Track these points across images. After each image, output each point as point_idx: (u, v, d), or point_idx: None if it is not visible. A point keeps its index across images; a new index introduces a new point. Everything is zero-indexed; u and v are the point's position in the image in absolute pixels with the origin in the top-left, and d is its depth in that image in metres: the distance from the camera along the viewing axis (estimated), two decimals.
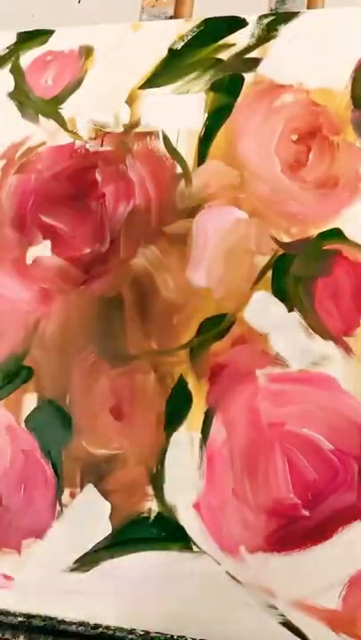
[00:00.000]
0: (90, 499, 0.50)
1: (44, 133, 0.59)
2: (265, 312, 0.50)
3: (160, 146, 0.56)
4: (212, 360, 0.50)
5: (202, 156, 0.54)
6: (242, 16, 0.57)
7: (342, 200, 0.51)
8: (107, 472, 0.50)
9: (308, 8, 0.57)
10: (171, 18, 0.61)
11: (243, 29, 0.57)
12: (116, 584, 0.48)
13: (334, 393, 0.47)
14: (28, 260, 0.57)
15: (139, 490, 0.49)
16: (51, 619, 0.49)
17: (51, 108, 0.60)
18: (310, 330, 0.49)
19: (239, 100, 0.55)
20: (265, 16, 0.57)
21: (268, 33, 0.56)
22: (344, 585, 0.44)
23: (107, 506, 0.50)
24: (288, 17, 0.56)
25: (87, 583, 0.49)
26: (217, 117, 0.55)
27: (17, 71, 0.62)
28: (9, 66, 0.63)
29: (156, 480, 0.49)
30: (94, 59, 0.60)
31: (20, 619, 0.49)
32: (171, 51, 0.58)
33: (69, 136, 0.59)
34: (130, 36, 0.60)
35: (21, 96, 0.61)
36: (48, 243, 0.56)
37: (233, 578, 0.46)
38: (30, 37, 0.63)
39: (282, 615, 0.45)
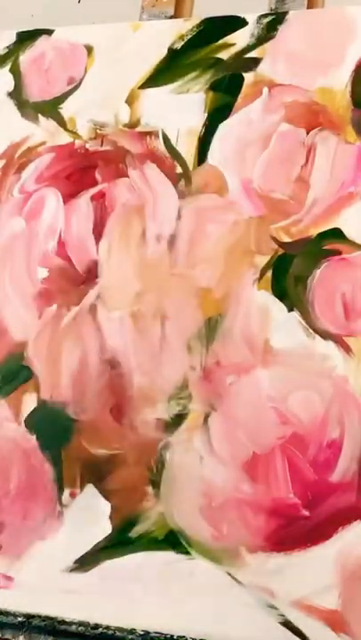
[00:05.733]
0: (90, 499, 0.50)
1: (43, 133, 0.59)
2: (266, 312, 0.50)
3: (160, 145, 0.56)
4: (213, 359, 0.50)
5: (202, 156, 0.54)
6: (242, 16, 0.57)
7: (342, 200, 0.51)
8: (107, 472, 0.50)
9: (309, 8, 0.57)
10: (171, 18, 0.61)
11: (243, 29, 0.57)
12: (116, 584, 0.48)
13: (335, 393, 0.47)
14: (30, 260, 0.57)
15: (139, 490, 0.49)
16: (51, 619, 0.49)
17: (50, 107, 0.60)
18: (310, 330, 0.49)
19: (239, 99, 0.55)
20: (265, 16, 0.57)
21: (267, 32, 0.56)
22: (344, 585, 0.44)
23: (107, 506, 0.50)
24: (288, 16, 0.56)
25: (87, 583, 0.49)
26: (217, 117, 0.55)
27: (16, 71, 0.62)
28: (8, 65, 0.63)
29: (156, 480, 0.49)
30: (94, 58, 0.60)
31: (20, 619, 0.49)
32: (171, 50, 0.58)
33: (69, 136, 0.59)
34: (130, 36, 0.60)
35: (21, 96, 0.61)
36: (50, 243, 0.56)
37: (233, 578, 0.46)
38: (30, 37, 0.63)
39: (282, 615, 0.45)
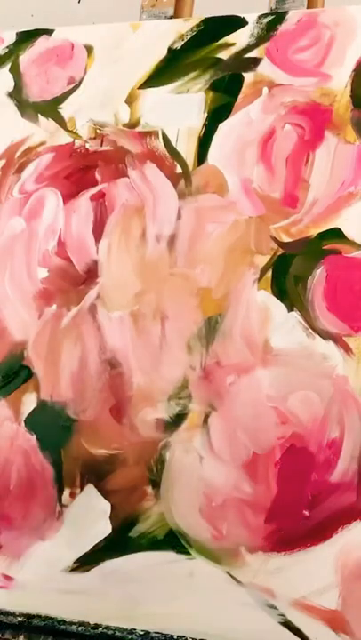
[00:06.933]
0: (90, 499, 0.50)
1: (43, 133, 0.59)
2: (266, 312, 0.50)
3: (160, 145, 0.56)
4: (213, 359, 0.50)
5: (201, 156, 0.54)
6: (242, 16, 0.57)
7: (342, 200, 0.51)
8: (107, 472, 0.50)
9: (309, 8, 0.58)
10: (171, 18, 0.61)
11: (242, 29, 0.57)
12: (116, 584, 0.48)
13: (335, 393, 0.47)
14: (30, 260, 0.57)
15: (139, 490, 0.49)
16: (51, 619, 0.49)
17: (50, 107, 0.60)
18: (310, 330, 0.49)
19: (239, 99, 0.55)
20: (264, 15, 0.57)
21: (267, 32, 0.56)
22: (344, 585, 0.44)
23: (107, 506, 0.50)
24: (288, 16, 0.56)
25: (87, 583, 0.49)
26: (217, 117, 0.55)
27: (16, 70, 0.62)
28: (8, 65, 0.63)
29: (156, 480, 0.49)
30: (94, 58, 0.60)
31: (19, 619, 0.49)
32: (170, 50, 0.58)
33: (69, 136, 0.59)
34: (129, 36, 0.60)
35: (21, 95, 0.61)
36: (50, 243, 0.56)
37: (233, 578, 0.46)
38: (30, 37, 0.63)
39: (282, 615, 0.45)
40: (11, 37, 0.64)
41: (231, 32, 0.57)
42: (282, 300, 0.50)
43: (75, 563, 0.49)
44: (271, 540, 0.46)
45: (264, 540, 0.46)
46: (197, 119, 0.55)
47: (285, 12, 0.57)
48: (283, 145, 0.53)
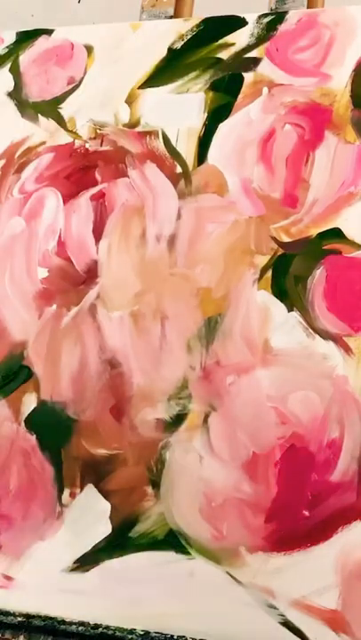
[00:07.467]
0: (90, 499, 0.50)
1: (43, 133, 0.59)
2: (266, 312, 0.50)
3: (160, 145, 0.56)
4: (213, 359, 0.50)
5: (201, 156, 0.54)
6: (242, 16, 0.57)
7: (342, 200, 0.51)
8: (107, 472, 0.50)
9: (309, 8, 0.58)
10: (171, 18, 0.61)
11: (242, 29, 0.57)
12: (116, 584, 0.48)
13: (335, 393, 0.47)
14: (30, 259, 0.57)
15: (139, 490, 0.49)
16: (51, 619, 0.49)
17: (50, 107, 0.60)
18: (310, 330, 0.49)
19: (239, 99, 0.55)
20: (264, 15, 0.57)
21: (267, 32, 0.56)
22: (344, 585, 0.44)
23: (107, 506, 0.50)
24: (288, 16, 0.56)
25: (87, 583, 0.49)
26: (217, 117, 0.55)
27: (16, 70, 0.62)
28: (8, 65, 0.63)
29: (156, 480, 0.49)
30: (94, 58, 0.61)
31: (19, 619, 0.49)
32: (170, 50, 0.58)
33: (69, 136, 0.59)
34: (129, 36, 0.60)
35: (21, 95, 0.61)
36: (50, 243, 0.56)
37: (233, 578, 0.46)
38: (30, 37, 0.63)
39: (282, 615, 0.44)
40: (11, 37, 0.64)
41: (231, 32, 0.57)
42: (282, 300, 0.50)
43: (74, 563, 0.49)
44: (271, 540, 0.46)
45: (264, 540, 0.46)
46: (197, 119, 0.55)
47: (285, 12, 0.57)
48: (283, 145, 0.53)
